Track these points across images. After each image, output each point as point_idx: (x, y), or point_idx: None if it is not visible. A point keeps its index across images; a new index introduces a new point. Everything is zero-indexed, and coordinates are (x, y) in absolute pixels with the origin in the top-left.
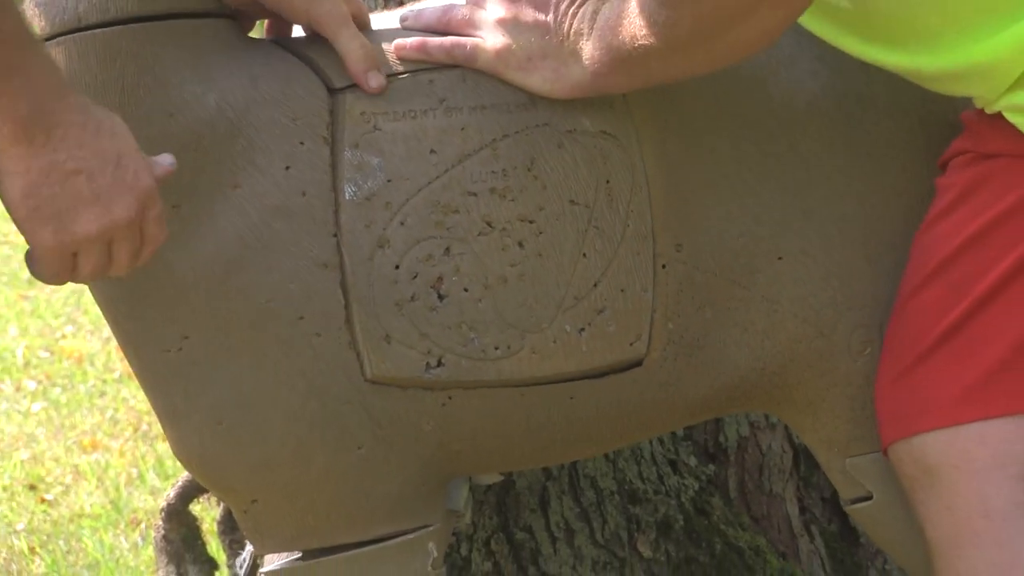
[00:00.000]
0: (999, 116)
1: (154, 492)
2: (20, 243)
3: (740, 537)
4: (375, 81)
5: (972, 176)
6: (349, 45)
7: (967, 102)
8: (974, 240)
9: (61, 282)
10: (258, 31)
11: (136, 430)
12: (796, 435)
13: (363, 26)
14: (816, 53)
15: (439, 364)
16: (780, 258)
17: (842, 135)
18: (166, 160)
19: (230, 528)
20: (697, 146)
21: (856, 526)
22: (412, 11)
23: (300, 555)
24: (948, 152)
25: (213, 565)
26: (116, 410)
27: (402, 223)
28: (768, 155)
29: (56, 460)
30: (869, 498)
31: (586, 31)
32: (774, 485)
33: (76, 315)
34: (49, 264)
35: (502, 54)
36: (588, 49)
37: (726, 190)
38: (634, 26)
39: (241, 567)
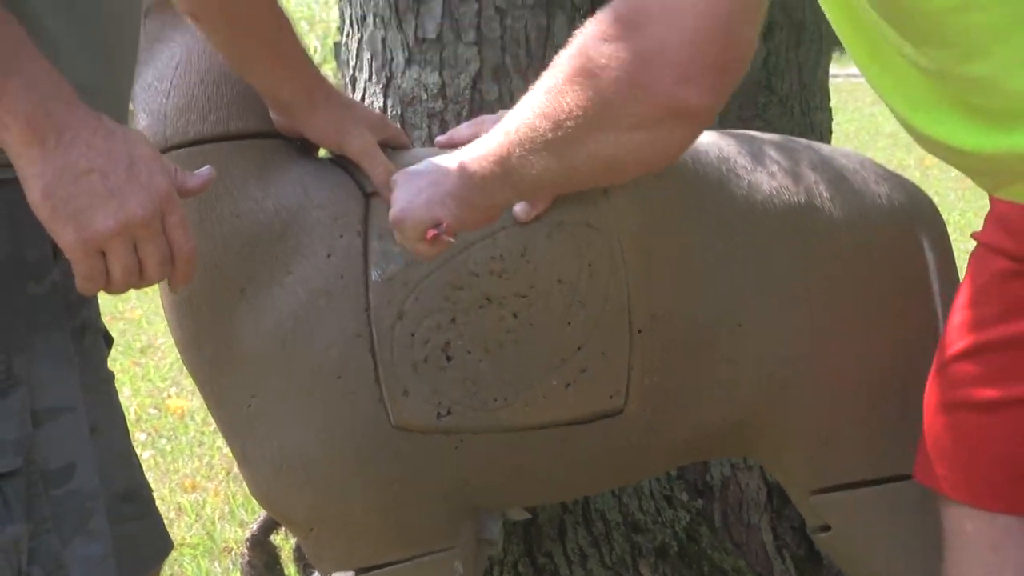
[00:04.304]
0: None
1: (243, 525)
2: (133, 319)
3: (724, 560)
4: None
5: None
6: (374, 171)
7: (907, 199)
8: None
9: (96, 288)
10: None
11: (228, 473)
12: (770, 475)
13: (402, 146)
14: (775, 158)
15: (448, 413)
16: (740, 325)
17: (792, 224)
18: (204, 172)
19: (304, 555)
20: (671, 237)
21: (820, 551)
22: (446, 135)
23: (354, 573)
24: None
25: None
26: (212, 457)
27: (416, 299)
28: (730, 243)
29: (162, 499)
30: (828, 529)
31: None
32: (752, 517)
33: (180, 378)
34: (79, 265)
35: None
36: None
37: (695, 271)
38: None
39: None
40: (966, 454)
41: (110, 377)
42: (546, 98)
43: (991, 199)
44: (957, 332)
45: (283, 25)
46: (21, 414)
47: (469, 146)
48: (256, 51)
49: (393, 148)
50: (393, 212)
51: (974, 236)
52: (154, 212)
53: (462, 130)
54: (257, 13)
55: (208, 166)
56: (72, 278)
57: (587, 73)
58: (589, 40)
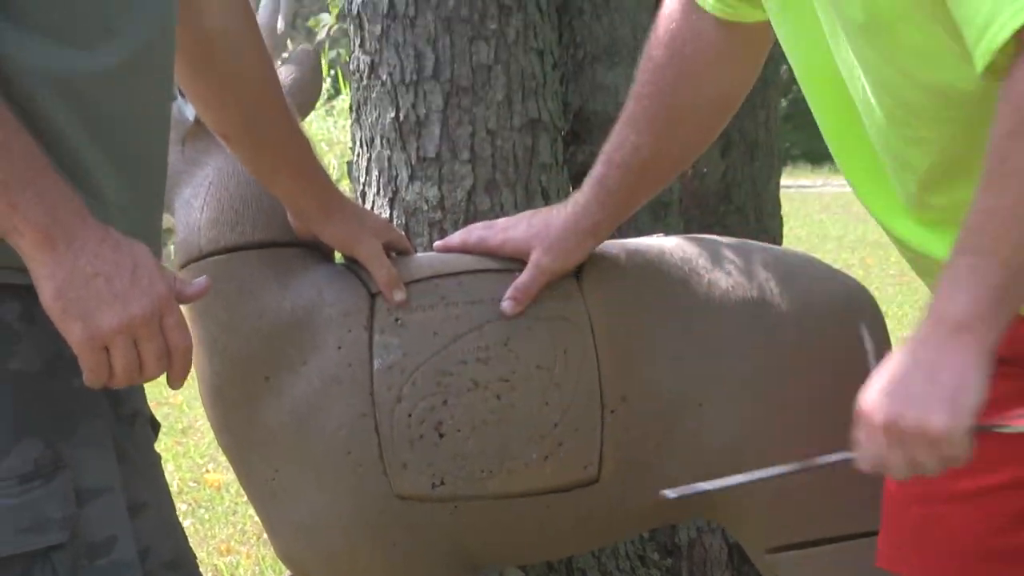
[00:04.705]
0: None
1: None
2: (176, 403)
3: None
4: (398, 296)
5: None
6: (378, 273)
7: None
8: None
9: (100, 381)
10: None
11: (259, 538)
12: (730, 536)
13: (404, 251)
14: (731, 259)
15: (442, 483)
16: (700, 405)
17: (746, 317)
18: (200, 282)
19: None
20: (639, 328)
21: None
22: (441, 241)
23: None
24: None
25: None
26: (245, 524)
27: (413, 384)
28: (692, 333)
29: (201, 562)
30: None
31: None
32: (715, 574)
33: (216, 455)
34: (86, 360)
35: None
36: None
37: (661, 358)
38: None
39: None
40: (932, 541)
41: (157, 459)
42: None
43: None
44: None
45: (302, 144)
46: (66, 494)
47: (939, 309)
48: (279, 167)
49: (398, 252)
50: (927, 433)
51: None
52: (153, 314)
53: (454, 238)
54: (279, 135)
55: (204, 277)
56: None
57: None
58: None
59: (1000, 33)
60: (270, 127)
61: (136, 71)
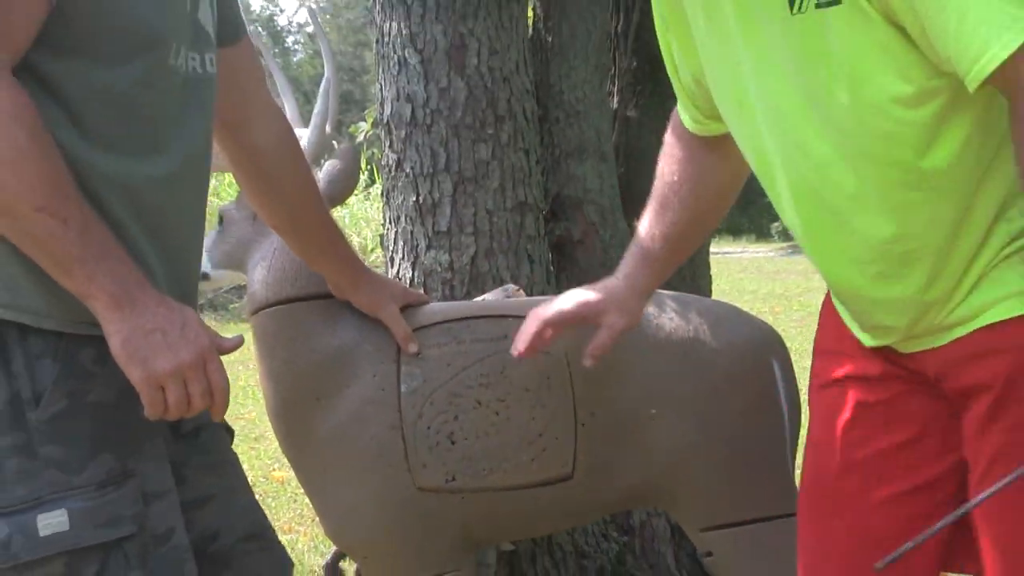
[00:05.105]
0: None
1: (323, 555)
2: (250, 418)
3: None
4: (412, 348)
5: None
6: (396, 331)
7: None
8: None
9: (158, 414)
10: None
11: (313, 521)
12: (673, 519)
13: (424, 303)
14: (674, 308)
15: (453, 479)
16: (650, 419)
17: (685, 351)
18: (235, 338)
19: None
20: (603, 360)
21: (708, 569)
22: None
23: None
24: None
25: None
26: (303, 509)
27: (431, 403)
28: (645, 364)
29: None
30: (711, 555)
31: None
32: (661, 548)
33: (281, 458)
34: (145, 397)
35: None
36: None
37: (621, 383)
38: None
39: None
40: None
41: (233, 458)
42: None
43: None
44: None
45: (335, 234)
46: (135, 496)
47: None
48: (316, 252)
49: (416, 306)
50: None
51: (823, 379)
52: (199, 360)
53: (527, 330)
54: (316, 228)
55: (240, 335)
56: None
57: None
58: None
59: (989, 64)
60: (309, 222)
61: (180, 179)
